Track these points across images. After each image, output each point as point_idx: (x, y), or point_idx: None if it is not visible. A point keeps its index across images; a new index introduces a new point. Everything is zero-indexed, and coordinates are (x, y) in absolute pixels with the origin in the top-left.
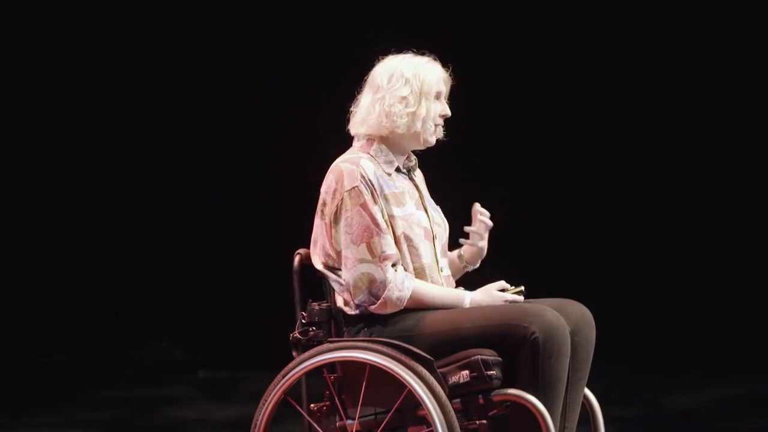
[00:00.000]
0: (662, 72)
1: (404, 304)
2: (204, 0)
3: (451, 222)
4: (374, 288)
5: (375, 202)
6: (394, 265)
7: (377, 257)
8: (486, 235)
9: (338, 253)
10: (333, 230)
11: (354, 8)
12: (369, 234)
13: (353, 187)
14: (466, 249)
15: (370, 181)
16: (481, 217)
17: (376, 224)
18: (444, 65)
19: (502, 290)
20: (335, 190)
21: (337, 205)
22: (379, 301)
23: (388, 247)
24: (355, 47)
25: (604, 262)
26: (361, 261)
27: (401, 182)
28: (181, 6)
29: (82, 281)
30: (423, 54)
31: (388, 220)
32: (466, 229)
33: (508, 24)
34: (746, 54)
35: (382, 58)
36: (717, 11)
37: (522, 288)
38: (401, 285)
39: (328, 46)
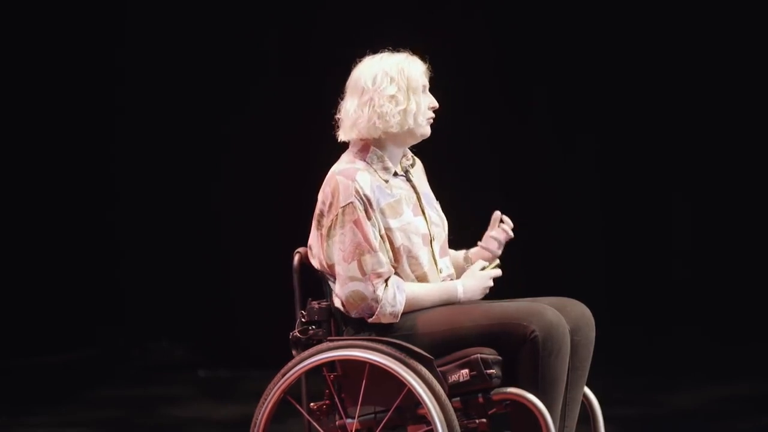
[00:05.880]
0: (662, 71)
1: (399, 317)
2: (204, 0)
3: (451, 220)
4: (366, 305)
5: (369, 218)
6: (386, 280)
7: (368, 275)
8: (502, 245)
9: (330, 266)
10: (326, 244)
11: (355, 7)
12: (360, 252)
13: (348, 204)
14: (474, 253)
15: (365, 195)
16: (504, 226)
17: (368, 242)
18: (421, 59)
19: (482, 269)
20: (331, 204)
21: (332, 220)
22: (373, 317)
23: (379, 264)
24: (356, 47)
25: (604, 261)
26: (352, 279)
27: (398, 188)
28: (181, 6)
29: (81, 281)
30: (398, 50)
31: (386, 233)
32: (489, 234)
33: (509, 23)
34: (746, 54)
35: (359, 61)
36: (717, 11)
37: (497, 262)
38: (393, 301)
39: (328, 46)
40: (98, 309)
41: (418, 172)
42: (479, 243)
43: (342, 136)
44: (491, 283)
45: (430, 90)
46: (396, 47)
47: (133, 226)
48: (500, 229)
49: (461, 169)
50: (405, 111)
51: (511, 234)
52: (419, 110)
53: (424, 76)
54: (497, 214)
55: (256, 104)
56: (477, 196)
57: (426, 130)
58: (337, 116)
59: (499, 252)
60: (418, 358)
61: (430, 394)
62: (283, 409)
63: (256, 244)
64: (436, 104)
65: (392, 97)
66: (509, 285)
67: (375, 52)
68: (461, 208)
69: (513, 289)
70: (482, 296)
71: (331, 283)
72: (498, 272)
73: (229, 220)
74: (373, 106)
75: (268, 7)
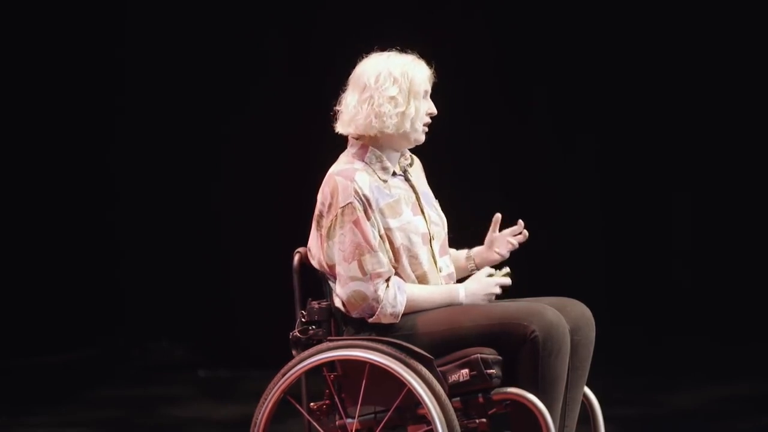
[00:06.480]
0: (662, 71)
1: (399, 318)
2: (204, 0)
3: (450, 220)
4: (366, 305)
5: (368, 218)
6: (387, 280)
7: (368, 275)
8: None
9: (331, 266)
10: (326, 244)
11: (355, 7)
12: (360, 252)
13: (347, 204)
14: (478, 252)
15: (364, 196)
16: (523, 230)
17: (368, 242)
18: (427, 63)
19: (490, 275)
20: (330, 205)
21: (331, 221)
22: (374, 317)
23: (379, 264)
24: (356, 47)
25: (604, 261)
26: (353, 279)
27: (397, 187)
28: (181, 6)
29: (81, 281)
30: (406, 51)
31: (385, 233)
32: (505, 237)
33: (509, 23)
34: (746, 54)
35: (366, 56)
36: (717, 11)
37: (507, 269)
38: (394, 301)
39: (328, 46)
40: (98, 309)
41: (417, 172)
42: (495, 249)
43: (339, 128)
44: (497, 290)
45: (431, 94)
46: (394, 47)
47: (133, 226)
48: (520, 235)
49: (461, 169)
50: (403, 114)
51: (526, 238)
52: (417, 115)
53: (427, 81)
54: (498, 216)
55: (256, 104)
56: (477, 196)
57: (420, 137)
58: (337, 108)
59: (507, 255)
60: (418, 358)
61: (430, 394)
62: (283, 409)
63: (256, 244)
64: (434, 111)
65: (392, 98)
66: (509, 285)
67: (382, 50)
68: (461, 208)
69: (513, 289)
70: (485, 302)
71: (331, 283)
72: (507, 281)
73: (229, 220)
74: (372, 105)
75: (268, 7)
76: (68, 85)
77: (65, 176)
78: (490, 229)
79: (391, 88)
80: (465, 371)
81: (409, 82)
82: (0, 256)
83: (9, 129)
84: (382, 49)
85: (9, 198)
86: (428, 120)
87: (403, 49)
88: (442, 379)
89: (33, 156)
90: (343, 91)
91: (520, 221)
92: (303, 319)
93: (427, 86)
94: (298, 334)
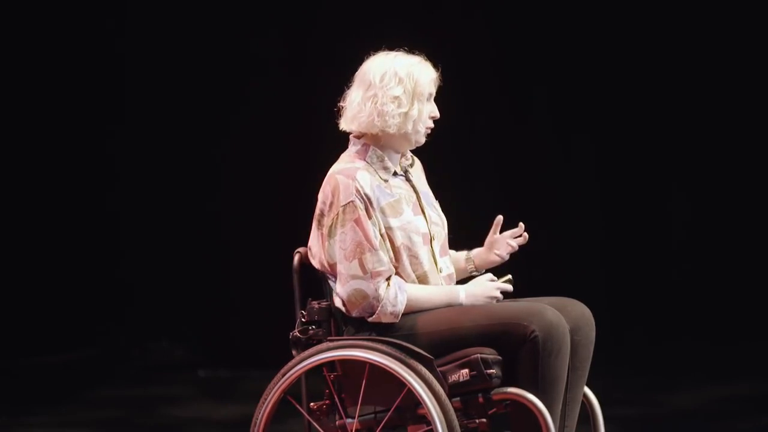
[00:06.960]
0: (661, 71)
1: (399, 317)
2: (204, 0)
3: (450, 220)
4: (367, 304)
5: (369, 216)
6: (388, 279)
7: (369, 273)
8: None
9: (332, 265)
10: (327, 243)
11: (355, 7)
12: (361, 250)
13: (348, 202)
14: (478, 254)
15: (365, 194)
16: (524, 233)
17: (369, 240)
18: (434, 66)
19: (491, 281)
20: (332, 203)
21: (332, 219)
22: (374, 316)
23: (380, 263)
24: (356, 47)
25: (604, 261)
26: (354, 277)
27: (398, 187)
28: (181, 5)
29: (82, 281)
30: (414, 53)
31: (386, 233)
32: (506, 240)
33: (509, 23)
34: (745, 54)
35: (373, 54)
36: (716, 11)
37: (510, 277)
38: (394, 300)
39: (328, 45)
40: (98, 308)
41: (418, 172)
42: (495, 250)
43: (343, 125)
44: (498, 295)
45: (435, 97)
46: (397, 47)
47: (133, 226)
48: (520, 237)
49: (461, 169)
50: (406, 115)
51: (526, 240)
52: (420, 118)
53: (432, 84)
54: (500, 218)
55: (256, 104)
56: (477, 196)
57: (421, 138)
58: (341, 104)
59: (507, 257)
60: (418, 358)
61: (430, 394)
62: (283, 409)
63: (256, 244)
64: (437, 114)
65: (396, 98)
66: (511, 291)
67: (390, 49)
68: (461, 208)
69: (513, 289)
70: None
71: (331, 283)
72: (509, 287)
73: (229, 220)
74: (376, 103)
75: (268, 7)
76: (68, 86)
77: (66, 178)
78: (491, 230)
79: (395, 87)
80: (465, 371)
81: (414, 84)
82: (0, 257)
83: (10, 127)
84: (390, 48)
85: (9, 199)
86: (431, 123)
87: (411, 50)
88: (442, 379)
89: (33, 154)
90: (348, 88)
91: (521, 224)
92: (303, 319)
93: (432, 89)
94: (298, 334)
